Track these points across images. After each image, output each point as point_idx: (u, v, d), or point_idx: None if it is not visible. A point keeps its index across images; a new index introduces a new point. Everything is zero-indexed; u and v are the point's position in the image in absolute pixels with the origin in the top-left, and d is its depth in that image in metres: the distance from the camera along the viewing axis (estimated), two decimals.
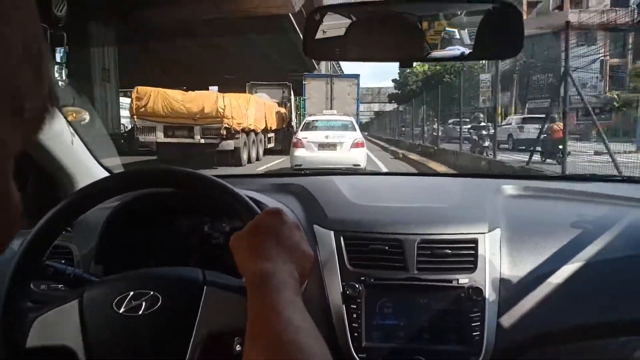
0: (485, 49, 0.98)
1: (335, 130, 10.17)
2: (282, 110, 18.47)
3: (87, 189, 0.93)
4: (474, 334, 1.05)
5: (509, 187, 1.41)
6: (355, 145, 9.67)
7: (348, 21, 0.99)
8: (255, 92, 17.90)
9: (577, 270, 1.09)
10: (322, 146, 9.71)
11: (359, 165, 9.45)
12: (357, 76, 17.93)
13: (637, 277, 1.10)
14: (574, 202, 1.39)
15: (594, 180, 1.66)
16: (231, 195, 0.94)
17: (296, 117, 19.92)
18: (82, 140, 1.36)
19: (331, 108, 16.21)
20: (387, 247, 1.14)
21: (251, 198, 1.14)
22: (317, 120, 10.97)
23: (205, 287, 0.89)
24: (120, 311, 0.86)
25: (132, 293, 0.87)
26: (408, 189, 1.61)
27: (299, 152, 9.71)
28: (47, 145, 1.24)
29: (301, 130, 10.52)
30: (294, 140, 10.27)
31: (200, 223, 1.24)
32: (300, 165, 9.53)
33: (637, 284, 1.09)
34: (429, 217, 1.23)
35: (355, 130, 10.44)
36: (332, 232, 1.18)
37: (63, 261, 1.07)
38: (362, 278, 1.11)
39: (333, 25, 0.98)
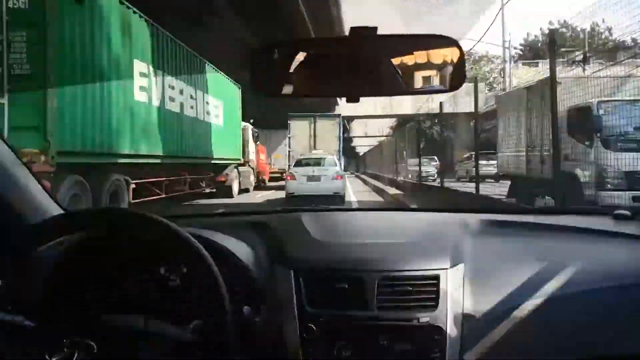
0: (432, 84, 1.00)
1: (320, 166, 12.76)
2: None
3: (38, 226, 0.91)
4: None
5: (475, 222, 1.40)
6: (336, 177, 12.48)
7: (296, 57, 1.00)
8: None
9: (541, 305, 1.07)
10: (310, 178, 12.30)
11: (339, 192, 12.27)
12: (338, 116, 19.49)
13: (602, 312, 1.08)
14: (539, 235, 1.37)
15: (560, 213, 1.66)
16: (174, 235, 0.92)
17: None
18: (32, 174, 1.30)
19: (314, 145, 17.93)
20: (347, 286, 1.11)
21: (202, 237, 1.11)
22: (305, 158, 13.72)
23: (144, 338, 0.85)
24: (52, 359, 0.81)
25: (66, 340, 0.83)
26: (374, 224, 1.60)
27: (290, 184, 12.43)
28: None
29: (293, 166, 13.46)
30: (288, 173, 13.39)
31: (156, 265, 1.19)
32: (293, 193, 12.23)
33: (601, 319, 1.08)
34: (391, 253, 1.20)
35: (336, 165, 13.22)
36: (291, 271, 1.15)
37: None
38: (321, 319, 1.07)
39: (280, 61, 0.98)
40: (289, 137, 18.73)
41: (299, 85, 0.99)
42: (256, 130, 19.52)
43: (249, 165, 18.09)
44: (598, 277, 1.13)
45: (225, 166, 14.92)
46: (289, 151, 18.66)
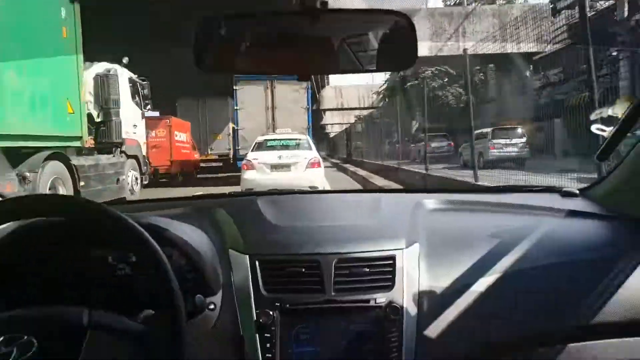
0: (383, 61, 0.98)
1: (289, 150, 9.54)
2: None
3: None
4: (392, 355, 1.02)
5: (429, 202, 1.42)
6: (311, 165, 9.19)
7: (242, 32, 0.95)
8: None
9: (496, 281, 1.10)
10: (275, 167, 9.14)
11: (316, 187, 8.70)
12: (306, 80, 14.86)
13: (553, 286, 1.12)
14: (492, 213, 1.41)
15: (511, 191, 1.70)
16: (118, 222, 0.87)
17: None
18: None
19: (272, 120, 13.46)
20: (303, 269, 1.10)
21: (151, 224, 1.07)
22: (268, 140, 10.19)
23: (89, 331, 0.81)
24: None
25: (2, 338, 0.78)
26: (330, 207, 1.59)
27: (249, 175, 9.07)
28: None
29: (251, 151, 9.81)
30: (244, 162, 9.58)
31: (104, 253, 1.13)
32: (252, 189, 7.98)
33: (554, 294, 1.11)
34: (347, 235, 1.21)
35: (310, 149, 9.83)
36: (247, 257, 1.13)
37: None
38: (277, 304, 1.06)
39: (225, 36, 0.93)
40: (236, 109, 13.90)
41: (244, 62, 0.95)
42: (144, 81, 11.27)
43: (123, 153, 10.09)
44: (549, 252, 1.18)
45: (28, 156, 6.78)
46: (236, 129, 14.14)
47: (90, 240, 1.10)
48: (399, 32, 0.94)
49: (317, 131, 36.48)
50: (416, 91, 11.82)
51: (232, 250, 1.17)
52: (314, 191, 2.20)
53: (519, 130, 10.56)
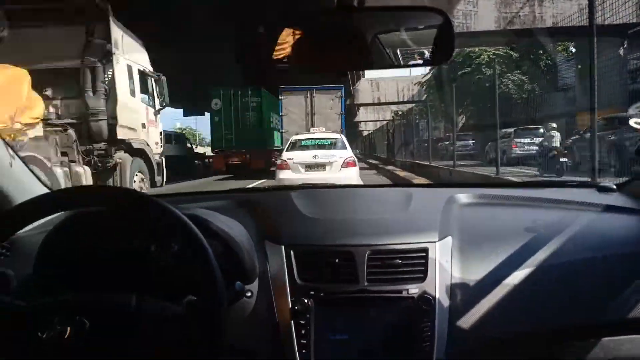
0: (419, 57, 0.99)
1: (324, 150, 9.47)
2: None
3: (20, 206, 0.91)
4: (424, 344, 1.04)
5: (462, 196, 1.42)
6: (347, 164, 8.97)
7: (283, 32, 0.99)
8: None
9: (529, 275, 1.10)
10: (309, 167, 9.00)
11: None
12: (340, 88, 15.84)
13: (589, 280, 1.11)
14: (526, 208, 1.39)
15: (545, 186, 1.68)
16: (165, 213, 0.92)
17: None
18: (22, 160, 1.29)
19: (311, 124, 14.76)
20: (337, 260, 1.13)
21: (192, 215, 1.12)
22: (303, 140, 10.20)
23: (137, 315, 0.86)
24: (44, 336, 0.82)
25: (57, 318, 0.84)
26: (363, 201, 1.61)
27: (284, 175, 8.96)
28: None
29: (286, 151, 9.79)
30: (279, 161, 9.51)
31: (146, 243, 1.19)
32: None
33: (589, 288, 1.10)
34: (380, 228, 1.22)
35: (345, 148, 9.68)
36: (282, 247, 1.17)
37: None
38: (312, 292, 1.09)
39: (266, 37, 0.97)
40: (281, 116, 15.91)
41: (286, 61, 0.98)
42: (159, 74, 10.09)
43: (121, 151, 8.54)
44: (585, 247, 1.16)
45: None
46: (281, 132, 15.96)
47: (135, 230, 1.15)
48: (436, 28, 0.95)
49: (352, 129, 35.00)
50: (468, 80, 11.41)
51: (268, 241, 1.21)
52: (346, 185, 2.21)
53: (541, 130, 10.65)
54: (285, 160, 9.21)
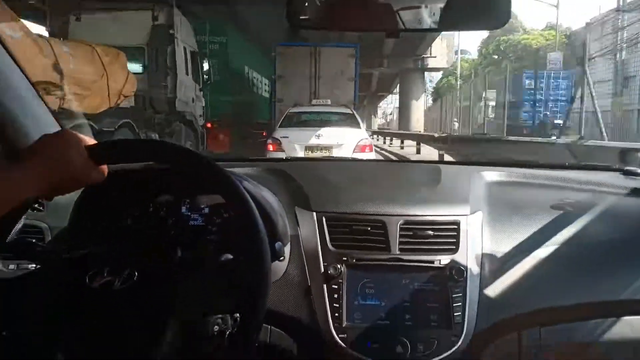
0: (471, 19, 0.96)
1: (330, 127, 7.26)
2: None
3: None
4: (455, 314, 1.05)
5: (491, 174, 1.44)
6: (361, 148, 6.73)
7: None
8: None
9: (556, 250, 1.13)
10: (310, 149, 6.78)
11: None
12: (355, 46, 11.42)
13: (611, 259, 1.13)
14: (554, 188, 1.42)
15: (572, 168, 1.69)
16: (212, 169, 0.92)
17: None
18: (39, 95, 1.26)
19: (315, 92, 10.94)
20: (369, 228, 1.14)
21: (236, 176, 1.14)
22: (303, 113, 8.08)
23: (182, 267, 0.90)
24: (93, 285, 0.87)
25: (107, 269, 0.88)
26: (394, 175, 1.63)
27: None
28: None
29: (280, 127, 7.51)
30: (269, 141, 7.18)
31: (177, 203, 1.20)
32: None
33: (611, 267, 1.12)
34: (412, 199, 1.24)
35: (359, 126, 7.54)
36: (314, 213, 1.19)
37: (34, 240, 1.03)
38: (344, 258, 1.11)
39: None
40: (273, 78, 11.61)
41: (336, 18, 0.98)
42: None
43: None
44: (610, 227, 1.20)
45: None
46: (273, 101, 11.67)
47: (169, 188, 1.18)
48: None
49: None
50: None
51: (299, 207, 1.23)
52: (375, 160, 2.21)
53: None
54: (277, 139, 6.95)
